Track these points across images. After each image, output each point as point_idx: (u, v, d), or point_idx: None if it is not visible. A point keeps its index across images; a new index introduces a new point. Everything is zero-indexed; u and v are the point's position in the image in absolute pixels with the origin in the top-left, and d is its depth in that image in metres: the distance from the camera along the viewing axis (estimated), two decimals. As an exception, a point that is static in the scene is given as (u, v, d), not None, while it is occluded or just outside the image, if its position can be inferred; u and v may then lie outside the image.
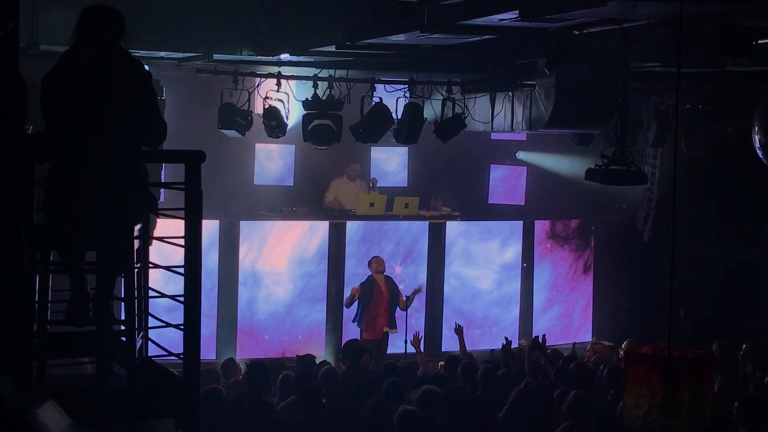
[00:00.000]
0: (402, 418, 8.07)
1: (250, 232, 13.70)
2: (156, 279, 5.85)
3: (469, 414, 8.88)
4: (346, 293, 13.98)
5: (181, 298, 5.35)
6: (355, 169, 14.88)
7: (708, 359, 4.61)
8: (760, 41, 9.19)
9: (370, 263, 13.78)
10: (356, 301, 13.55)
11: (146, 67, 5.70)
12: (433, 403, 8.42)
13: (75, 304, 5.50)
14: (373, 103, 12.81)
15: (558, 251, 15.52)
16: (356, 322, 13.57)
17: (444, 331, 14.45)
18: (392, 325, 13.61)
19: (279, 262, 13.81)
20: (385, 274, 13.72)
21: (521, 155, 16.03)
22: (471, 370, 9.85)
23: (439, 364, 11.03)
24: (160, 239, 5.82)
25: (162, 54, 11.20)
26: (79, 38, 5.50)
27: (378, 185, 15.19)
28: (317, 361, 10.90)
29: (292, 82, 12.86)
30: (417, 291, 13.55)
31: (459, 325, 11.91)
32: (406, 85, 12.87)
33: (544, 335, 11.53)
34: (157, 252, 5.82)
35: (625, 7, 7.67)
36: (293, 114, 12.95)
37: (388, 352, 13.46)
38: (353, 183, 14.89)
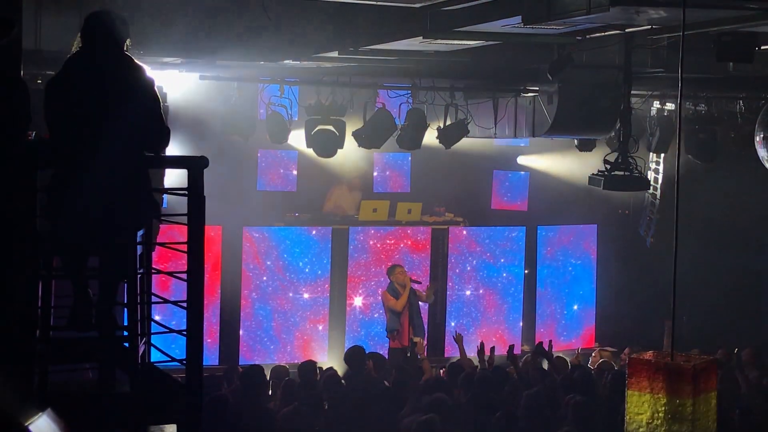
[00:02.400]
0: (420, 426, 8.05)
1: (253, 237, 13.70)
2: (166, 285, 5.85)
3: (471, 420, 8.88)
4: (349, 299, 13.97)
5: (184, 304, 5.36)
6: (356, 183, 14.88)
7: (711, 365, 4.60)
8: (762, 47, 9.19)
9: (393, 272, 13.38)
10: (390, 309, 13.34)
11: (149, 73, 5.70)
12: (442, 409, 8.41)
13: (77, 309, 5.50)
14: (376, 108, 12.81)
15: (560, 257, 15.51)
16: (390, 330, 13.33)
17: (447, 338, 14.44)
18: (420, 331, 13.30)
19: (282, 268, 13.81)
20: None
21: (524, 161, 16.02)
22: (471, 378, 9.83)
23: (441, 371, 10.98)
24: (163, 245, 5.82)
25: (165, 60, 11.20)
26: (83, 44, 5.51)
27: (380, 190, 15.19)
28: (321, 368, 10.89)
29: (295, 88, 12.86)
30: (431, 289, 13.29)
31: (458, 333, 11.88)
32: (409, 91, 12.87)
33: (550, 341, 11.52)
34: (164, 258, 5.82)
35: (628, 13, 7.67)
36: (296, 119, 12.96)
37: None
38: (352, 193, 14.88)
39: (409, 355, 12.86)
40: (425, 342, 12.88)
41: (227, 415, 8.56)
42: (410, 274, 13.55)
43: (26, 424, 3.17)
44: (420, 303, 13.46)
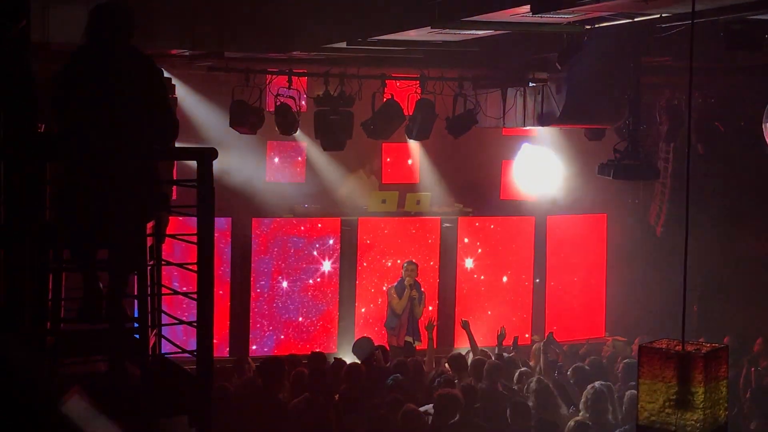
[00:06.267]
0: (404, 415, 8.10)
1: (263, 229, 13.71)
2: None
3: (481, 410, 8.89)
4: (359, 289, 13.97)
5: (194, 296, 5.36)
6: (371, 170, 14.94)
7: (722, 353, 4.59)
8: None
9: (406, 269, 13.37)
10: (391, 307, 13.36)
11: (157, 65, 5.70)
12: (449, 404, 8.43)
13: (87, 302, 5.51)
14: (385, 99, 12.82)
15: (570, 246, 15.48)
16: (388, 327, 13.37)
17: (457, 329, 14.42)
18: (418, 336, 13.35)
19: (291, 259, 13.82)
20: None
21: (533, 151, 15.98)
22: (480, 367, 9.84)
23: (445, 364, 10.92)
24: (173, 236, 5.83)
25: (173, 51, 11.21)
26: (89, 36, 5.50)
27: (389, 181, 15.19)
28: (331, 358, 10.90)
29: (304, 79, 12.86)
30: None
31: (464, 320, 11.87)
32: (418, 81, 12.86)
33: (551, 332, 11.54)
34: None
35: (637, 1, 7.64)
36: (305, 111, 12.97)
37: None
38: (370, 179, 14.92)
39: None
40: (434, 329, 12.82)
41: (238, 407, 8.58)
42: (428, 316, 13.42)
43: (59, 404, 3.21)
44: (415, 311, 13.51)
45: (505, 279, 14.97)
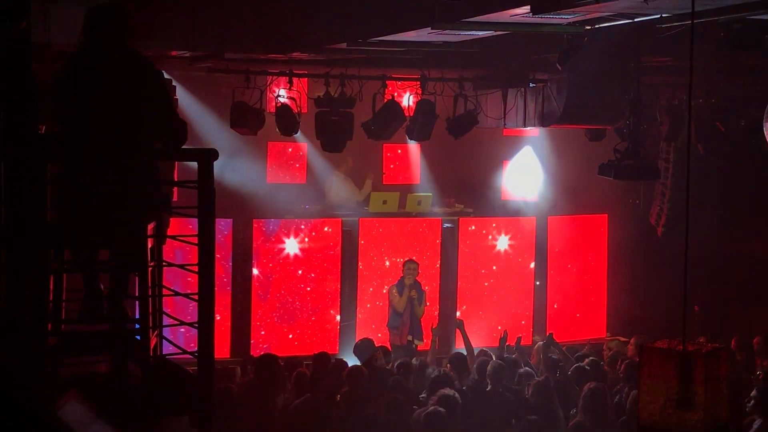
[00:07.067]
0: (429, 417, 8.11)
1: (264, 230, 13.71)
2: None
3: (485, 410, 8.90)
4: (360, 291, 13.96)
5: (195, 296, 5.37)
6: (349, 170, 14.94)
7: (723, 353, 4.59)
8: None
9: (406, 267, 13.39)
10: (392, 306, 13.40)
11: (157, 67, 5.69)
12: (451, 404, 8.44)
13: (88, 303, 5.51)
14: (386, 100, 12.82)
15: (571, 247, 15.47)
16: (391, 327, 13.39)
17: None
18: (419, 336, 13.36)
19: (293, 260, 13.81)
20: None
21: (534, 151, 15.98)
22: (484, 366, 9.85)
23: (447, 365, 10.91)
24: (174, 238, 5.83)
25: (173, 53, 11.20)
26: (85, 40, 5.50)
27: (390, 182, 15.18)
28: (332, 359, 10.89)
29: (304, 80, 12.87)
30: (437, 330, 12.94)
31: (459, 319, 11.86)
32: (418, 82, 12.85)
33: (551, 333, 11.53)
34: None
35: (637, 1, 7.64)
36: (305, 112, 12.98)
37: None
38: (346, 179, 14.92)
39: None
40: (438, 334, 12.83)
41: (233, 406, 8.58)
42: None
43: (56, 409, 3.21)
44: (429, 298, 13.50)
45: (505, 279, 14.94)
